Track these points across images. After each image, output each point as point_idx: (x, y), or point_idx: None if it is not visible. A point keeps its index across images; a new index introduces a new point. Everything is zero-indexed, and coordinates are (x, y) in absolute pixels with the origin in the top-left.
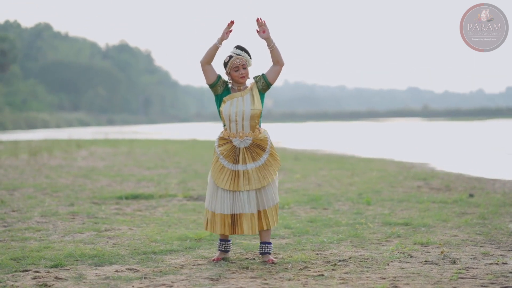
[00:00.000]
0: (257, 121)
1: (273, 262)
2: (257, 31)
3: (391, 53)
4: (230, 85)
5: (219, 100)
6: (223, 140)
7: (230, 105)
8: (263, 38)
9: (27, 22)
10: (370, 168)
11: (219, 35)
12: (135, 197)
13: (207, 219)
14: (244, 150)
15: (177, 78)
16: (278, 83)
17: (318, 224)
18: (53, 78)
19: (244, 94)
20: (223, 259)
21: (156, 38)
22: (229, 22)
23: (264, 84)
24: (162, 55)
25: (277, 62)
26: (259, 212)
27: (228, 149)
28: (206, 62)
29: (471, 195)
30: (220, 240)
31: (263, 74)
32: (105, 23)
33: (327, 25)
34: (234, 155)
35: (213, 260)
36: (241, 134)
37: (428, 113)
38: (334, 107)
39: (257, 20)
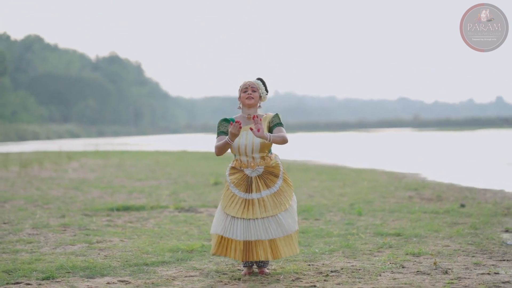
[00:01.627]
0: (267, 151)
1: (265, 274)
2: (251, 129)
3: (381, 63)
4: (240, 111)
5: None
6: (235, 169)
7: (239, 137)
8: (258, 136)
9: (17, 34)
10: (361, 178)
11: (229, 135)
12: (126, 208)
13: (216, 243)
14: (257, 178)
15: (167, 89)
16: (268, 94)
17: (310, 235)
18: (43, 90)
19: None
20: (249, 273)
21: (146, 49)
22: (236, 123)
23: (269, 128)
24: (152, 66)
25: (281, 145)
26: (273, 240)
27: (240, 177)
28: (222, 154)
29: (462, 205)
30: None
31: (275, 121)
32: (95, 35)
33: (317, 36)
34: (246, 184)
35: (244, 274)
36: (252, 164)
37: (419, 123)
38: (325, 118)
39: (253, 117)
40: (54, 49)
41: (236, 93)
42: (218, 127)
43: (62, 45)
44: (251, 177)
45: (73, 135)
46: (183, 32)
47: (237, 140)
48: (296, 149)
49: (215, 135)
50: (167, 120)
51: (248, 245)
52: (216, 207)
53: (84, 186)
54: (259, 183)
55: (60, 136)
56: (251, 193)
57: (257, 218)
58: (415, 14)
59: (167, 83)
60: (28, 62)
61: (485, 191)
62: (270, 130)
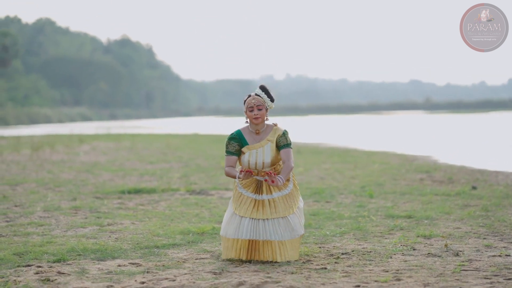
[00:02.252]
0: (277, 163)
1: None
2: (265, 180)
3: (393, 45)
4: (247, 125)
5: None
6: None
7: (249, 156)
8: (273, 186)
9: (29, 17)
10: (372, 161)
11: (239, 175)
12: (138, 191)
13: (231, 247)
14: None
15: (179, 72)
16: (280, 77)
17: (321, 217)
18: (55, 73)
19: (264, 144)
20: None
21: (158, 32)
22: (247, 173)
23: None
24: (163, 49)
25: None
26: (281, 242)
27: (249, 181)
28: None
29: (474, 187)
30: None
31: (282, 146)
32: (107, 18)
33: (328, 18)
34: (255, 185)
35: None
36: (262, 174)
37: (430, 106)
38: (336, 101)
39: (269, 173)
40: (66, 32)
41: (247, 76)
42: (227, 146)
43: (73, 28)
44: (261, 181)
45: (85, 118)
46: (194, 15)
47: (246, 158)
48: (307, 132)
49: (227, 118)
50: (179, 103)
51: (254, 245)
52: (226, 189)
53: (96, 169)
54: (271, 186)
55: (72, 119)
56: (262, 194)
57: (266, 219)
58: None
59: (179, 66)
60: (39, 45)
61: (496, 173)
62: (278, 148)
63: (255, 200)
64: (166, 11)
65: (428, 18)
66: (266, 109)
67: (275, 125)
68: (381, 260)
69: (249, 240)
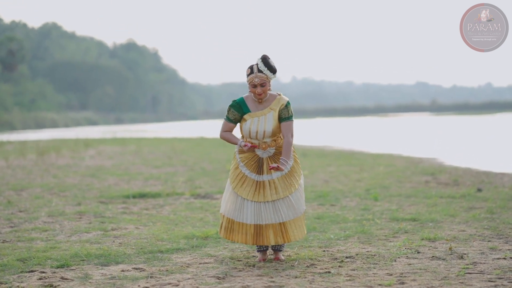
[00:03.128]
0: (278, 134)
1: (280, 260)
2: (271, 168)
3: (399, 47)
4: (250, 95)
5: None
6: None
7: (251, 123)
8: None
9: (34, 22)
10: (378, 163)
11: (243, 147)
12: (142, 195)
13: (222, 225)
14: (268, 159)
15: (184, 76)
16: (286, 80)
17: (326, 220)
18: (61, 77)
19: (267, 112)
20: (263, 259)
21: (163, 36)
22: (252, 147)
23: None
24: (169, 53)
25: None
26: (283, 223)
27: (250, 157)
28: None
29: (479, 190)
30: None
31: (284, 119)
32: (112, 22)
33: (334, 20)
34: (257, 165)
35: (259, 261)
36: (263, 146)
37: (437, 108)
38: (342, 103)
39: (270, 168)
40: (72, 36)
41: None
42: (227, 111)
43: (79, 32)
44: (262, 158)
45: (91, 123)
46: (200, 19)
47: (247, 125)
48: (313, 134)
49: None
50: (185, 106)
51: (259, 229)
52: None
53: (101, 174)
54: (270, 165)
55: (78, 123)
56: (262, 174)
57: (267, 201)
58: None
59: (185, 69)
60: (46, 50)
61: (502, 175)
62: (279, 120)
63: (257, 181)
64: (171, 15)
65: (433, 20)
66: (269, 82)
67: (279, 94)
68: (385, 263)
69: (254, 225)
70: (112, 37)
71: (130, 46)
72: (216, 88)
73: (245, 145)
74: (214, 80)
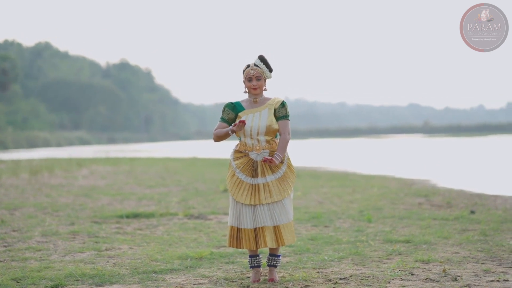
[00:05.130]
0: (272, 136)
1: (274, 281)
2: (264, 160)
3: (391, 69)
4: (246, 94)
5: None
6: (239, 153)
7: (246, 120)
8: (274, 165)
9: (28, 41)
10: (371, 185)
11: (232, 127)
12: (136, 215)
13: (231, 235)
14: (262, 163)
15: (177, 96)
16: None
17: (319, 242)
18: (54, 97)
19: (262, 109)
20: (257, 280)
21: (157, 56)
22: (241, 123)
23: (275, 115)
24: (162, 73)
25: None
26: (277, 227)
27: (245, 162)
28: (218, 141)
29: (472, 212)
30: (250, 256)
31: (281, 117)
32: (105, 42)
33: (327, 42)
34: (252, 168)
35: (252, 281)
36: (257, 148)
37: (429, 129)
38: (335, 124)
39: (263, 160)
40: (65, 56)
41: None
42: (223, 111)
43: (72, 52)
44: (256, 161)
45: (84, 142)
46: (193, 39)
47: None
48: (306, 155)
49: (225, 142)
50: (178, 126)
51: (257, 232)
52: (225, 214)
53: (94, 193)
54: (264, 168)
55: (70, 143)
56: (257, 177)
57: (262, 204)
58: (425, 16)
59: (178, 89)
60: (38, 69)
61: (495, 197)
62: (276, 119)
63: (252, 185)
64: (165, 35)
65: (426, 44)
66: (265, 79)
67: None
68: (379, 285)
69: (253, 229)
70: (105, 57)
71: (123, 66)
72: (209, 108)
73: (234, 124)
74: (207, 100)
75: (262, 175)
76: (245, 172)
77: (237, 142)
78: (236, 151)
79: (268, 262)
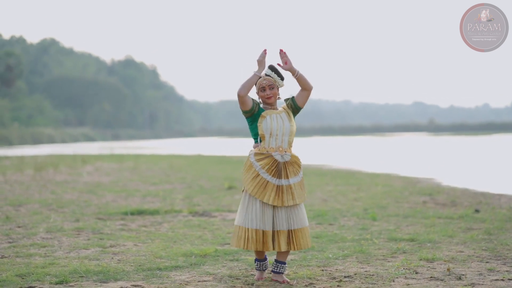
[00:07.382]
0: (293, 138)
1: (288, 283)
2: (279, 64)
3: (396, 67)
4: (261, 105)
5: (256, 117)
6: (262, 154)
7: (271, 120)
8: (286, 70)
9: (33, 37)
10: (375, 183)
11: (258, 67)
12: (141, 212)
13: (238, 235)
14: (285, 164)
15: (182, 93)
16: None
17: (324, 240)
18: (59, 93)
19: (281, 113)
20: (262, 278)
21: (162, 53)
22: (263, 51)
23: (293, 107)
24: (167, 70)
25: (305, 88)
26: (295, 230)
27: (270, 163)
28: (246, 93)
29: (477, 211)
30: (257, 260)
31: (292, 98)
32: (111, 38)
33: (331, 40)
34: (276, 169)
35: (257, 279)
36: (281, 149)
37: (434, 128)
38: (340, 122)
39: (280, 51)
40: (70, 52)
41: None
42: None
43: (77, 48)
44: (281, 163)
45: (88, 139)
46: (199, 36)
47: (268, 122)
48: (311, 153)
49: (230, 139)
50: (182, 123)
51: (274, 235)
52: (229, 211)
53: (99, 190)
54: (288, 170)
55: (75, 139)
56: (281, 178)
57: (282, 207)
58: (432, 14)
59: (183, 86)
60: (43, 65)
61: (499, 196)
62: (292, 109)
63: (277, 186)
64: (170, 32)
65: (431, 42)
66: (278, 88)
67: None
68: (383, 283)
69: (270, 231)
70: (110, 54)
71: (128, 63)
72: (214, 106)
73: (261, 55)
74: (212, 97)
75: (285, 177)
76: (270, 172)
77: (254, 144)
78: (257, 153)
79: (274, 269)
